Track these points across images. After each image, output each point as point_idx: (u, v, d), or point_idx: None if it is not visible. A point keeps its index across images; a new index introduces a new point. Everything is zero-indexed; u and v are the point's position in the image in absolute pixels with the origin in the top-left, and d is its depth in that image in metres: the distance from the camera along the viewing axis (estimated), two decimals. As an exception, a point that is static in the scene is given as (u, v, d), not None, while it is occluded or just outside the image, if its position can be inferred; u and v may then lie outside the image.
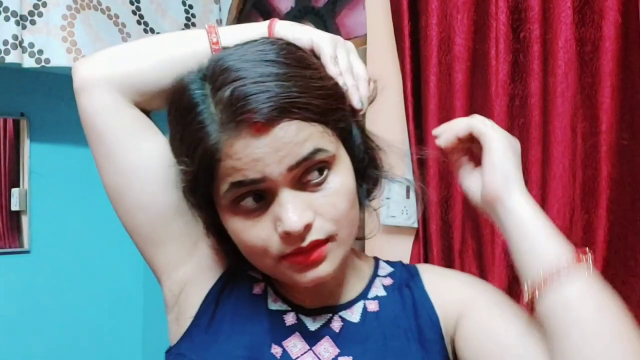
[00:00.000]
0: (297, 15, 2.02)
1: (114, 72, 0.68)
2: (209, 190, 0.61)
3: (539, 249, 0.60)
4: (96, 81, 0.68)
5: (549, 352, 0.58)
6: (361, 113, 0.66)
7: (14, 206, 2.43)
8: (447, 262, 1.27)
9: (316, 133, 0.59)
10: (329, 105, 0.60)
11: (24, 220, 2.47)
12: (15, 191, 2.43)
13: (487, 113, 1.19)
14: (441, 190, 1.28)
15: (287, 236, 0.59)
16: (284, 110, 0.56)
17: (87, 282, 2.59)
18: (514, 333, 0.62)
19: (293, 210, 0.58)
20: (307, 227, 0.59)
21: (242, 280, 0.71)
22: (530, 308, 0.60)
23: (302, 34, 0.66)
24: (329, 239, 0.61)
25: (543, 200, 1.12)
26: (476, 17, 1.22)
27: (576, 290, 0.57)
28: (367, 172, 0.69)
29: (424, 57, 1.29)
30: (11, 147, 2.42)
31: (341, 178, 0.61)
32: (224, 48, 0.64)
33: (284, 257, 0.61)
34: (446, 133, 0.69)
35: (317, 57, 0.65)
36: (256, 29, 0.68)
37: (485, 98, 1.20)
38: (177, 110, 0.62)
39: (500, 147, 0.64)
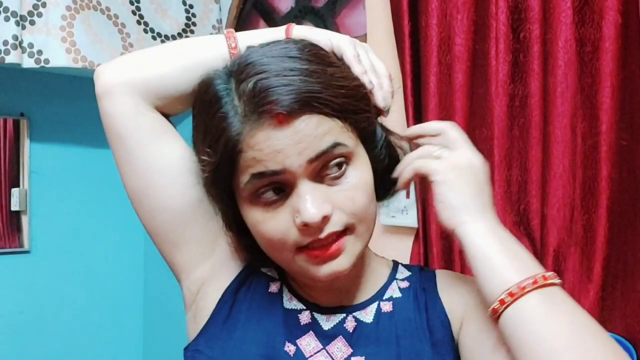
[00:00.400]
0: (297, 15, 2.02)
1: (136, 77, 0.69)
2: (230, 182, 0.63)
3: (495, 273, 0.59)
4: (118, 86, 0.69)
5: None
6: (386, 110, 0.67)
7: (14, 206, 2.43)
8: (447, 262, 1.27)
9: (336, 128, 0.60)
10: (350, 104, 0.62)
11: (24, 220, 2.47)
12: (15, 191, 2.43)
13: (487, 113, 1.19)
14: (441, 190, 1.28)
15: (305, 227, 0.59)
16: (305, 104, 0.58)
17: (87, 282, 2.59)
18: (502, 351, 0.62)
19: (312, 201, 0.59)
20: (325, 219, 0.60)
21: (259, 279, 0.72)
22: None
23: (321, 36, 0.67)
24: (346, 230, 0.62)
25: (543, 200, 1.12)
26: (476, 17, 1.22)
27: (529, 302, 0.57)
28: (385, 175, 0.69)
29: (424, 57, 1.29)
30: (11, 147, 2.42)
31: (360, 173, 0.62)
32: (249, 47, 0.65)
33: (302, 250, 0.62)
34: (399, 175, 0.70)
35: (338, 59, 0.66)
36: (274, 33, 0.70)
37: (485, 98, 1.20)
38: (202, 103, 0.63)
39: (444, 179, 0.64)
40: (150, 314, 2.73)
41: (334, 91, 0.60)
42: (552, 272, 0.59)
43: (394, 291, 0.72)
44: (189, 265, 0.72)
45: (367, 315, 0.69)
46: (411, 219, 1.41)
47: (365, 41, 1.60)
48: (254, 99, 0.58)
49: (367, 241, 0.66)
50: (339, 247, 0.62)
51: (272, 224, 0.61)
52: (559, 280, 0.59)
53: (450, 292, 0.71)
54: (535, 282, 0.57)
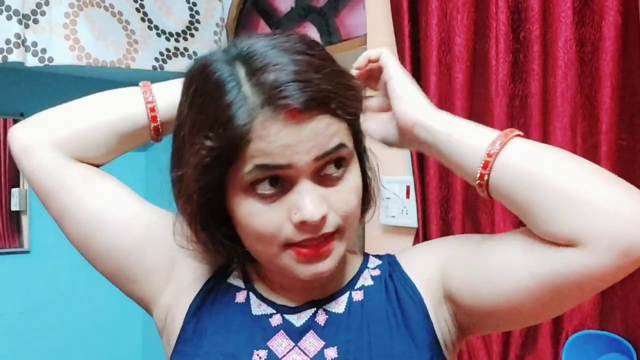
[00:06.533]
0: (298, 14, 2.02)
1: (52, 136, 0.70)
2: (226, 170, 0.61)
3: (472, 144, 0.62)
4: (36, 145, 0.70)
5: (524, 220, 0.60)
6: None
7: (14, 206, 2.44)
8: (447, 262, 1.27)
9: (342, 129, 0.61)
10: (356, 107, 0.63)
11: (24, 220, 2.47)
12: (15, 191, 2.43)
13: (487, 113, 1.19)
14: (441, 190, 1.28)
15: (302, 225, 0.60)
16: (321, 103, 0.58)
17: (87, 282, 2.59)
18: (488, 247, 0.64)
19: (311, 200, 0.59)
20: (323, 219, 0.60)
21: (224, 291, 0.71)
22: (487, 195, 0.62)
23: None
24: (336, 232, 0.62)
25: (543, 200, 1.12)
26: (476, 17, 1.22)
27: (512, 150, 0.60)
28: (369, 184, 0.70)
29: (424, 57, 1.29)
30: (11, 147, 2.42)
31: (355, 177, 0.63)
32: (252, 35, 0.64)
33: (290, 246, 0.62)
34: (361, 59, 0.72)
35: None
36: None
37: (485, 98, 1.20)
38: (202, 86, 0.62)
39: (404, 75, 0.68)
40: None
41: (347, 93, 0.61)
42: (509, 129, 0.62)
43: (365, 279, 0.71)
44: (154, 295, 0.73)
45: (339, 306, 0.69)
46: (411, 219, 1.41)
47: (365, 41, 1.60)
48: (272, 91, 0.57)
49: (348, 245, 0.67)
50: (328, 249, 0.62)
51: (267, 217, 0.61)
52: (521, 132, 0.62)
53: (414, 263, 0.71)
54: (506, 135, 0.60)
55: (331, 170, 0.61)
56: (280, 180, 0.60)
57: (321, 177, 0.61)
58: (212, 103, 0.60)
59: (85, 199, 0.69)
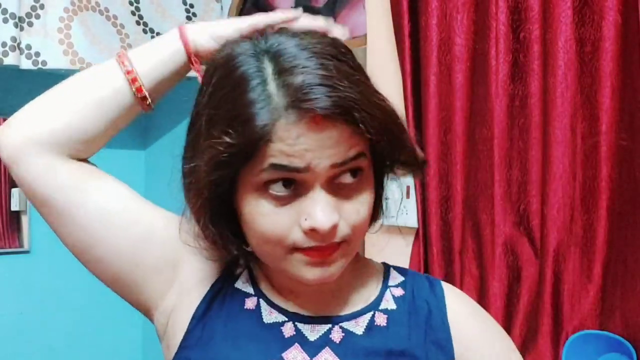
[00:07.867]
0: (297, 15, 2.02)
1: (39, 133, 0.66)
2: (241, 167, 0.59)
3: None
4: (25, 148, 0.65)
5: None
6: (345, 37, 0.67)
7: (14, 206, 2.43)
8: (447, 262, 1.27)
9: (363, 139, 0.59)
10: (384, 123, 0.60)
11: (24, 220, 2.46)
12: (15, 191, 2.42)
13: (487, 113, 1.19)
14: (441, 190, 1.28)
15: (312, 232, 0.58)
16: (346, 112, 0.56)
17: (87, 282, 2.58)
18: None
19: (323, 208, 0.58)
20: (334, 229, 0.59)
21: (233, 296, 0.69)
22: None
23: (226, 28, 0.66)
24: (342, 242, 0.61)
25: (543, 200, 1.12)
26: (476, 17, 1.23)
27: None
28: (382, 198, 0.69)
29: (424, 57, 1.29)
30: (11, 147, 2.42)
31: (369, 189, 0.62)
32: (281, 30, 0.63)
33: (297, 250, 0.60)
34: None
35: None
36: (165, 41, 0.68)
37: (485, 98, 1.20)
38: (225, 78, 0.60)
39: None
40: (150, 314, 2.73)
41: (374, 106, 0.59)
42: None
43: (388, 302, 0.69)
44: (155, 298, 0.69)
45: (358, 326, 0.67)
46: (411, 219, 1.41)
47: (365, 41, 1.60)
48: (298, 94, 0.55)
49: (354, 255, 0.66)
50: (336, 256, 0.61)
51: (275, 219, 0.59)
52: None
53: (462, 326, 0.69)
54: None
55: (347, 179, 0.59)
56: (294, 184, 0.59)
57: (335, 185, 0.59)
58: (234, 97, 0.58)
59: (84, 204, 0.67)
